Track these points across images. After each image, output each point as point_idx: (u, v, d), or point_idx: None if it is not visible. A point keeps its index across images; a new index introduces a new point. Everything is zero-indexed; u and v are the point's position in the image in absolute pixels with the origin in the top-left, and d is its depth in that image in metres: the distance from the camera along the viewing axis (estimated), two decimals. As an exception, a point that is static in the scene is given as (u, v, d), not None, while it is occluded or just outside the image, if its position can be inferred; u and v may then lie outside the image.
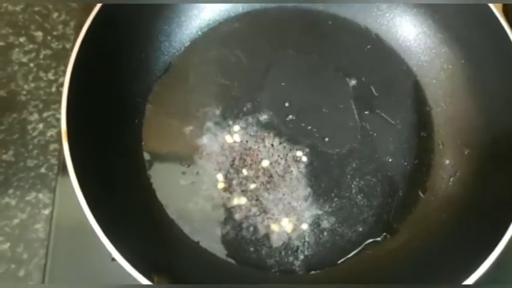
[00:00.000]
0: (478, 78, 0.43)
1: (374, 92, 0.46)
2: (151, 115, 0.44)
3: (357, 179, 0.43)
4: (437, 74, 0.46)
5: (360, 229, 0.41)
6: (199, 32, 0.48)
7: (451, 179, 0.42)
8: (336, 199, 0.42)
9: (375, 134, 0.45)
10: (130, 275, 0.31)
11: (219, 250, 0.40)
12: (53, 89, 0.50)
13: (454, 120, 0.44)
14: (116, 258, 0.31)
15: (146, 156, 0.43)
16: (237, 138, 0.45)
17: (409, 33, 0.47)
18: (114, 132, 0.39)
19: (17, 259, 0.44)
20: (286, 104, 0.45)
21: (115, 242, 0.31)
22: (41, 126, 0.49)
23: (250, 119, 0.45)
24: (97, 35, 0.36)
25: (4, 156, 0.47)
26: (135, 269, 0.30)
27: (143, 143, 0.42)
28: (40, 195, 0.46)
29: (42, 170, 0.47)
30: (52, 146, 0.48)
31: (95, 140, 0.36)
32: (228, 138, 0.45)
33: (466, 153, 0.42)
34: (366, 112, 0.45)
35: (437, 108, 0.45)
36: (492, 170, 0.39)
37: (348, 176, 0.43)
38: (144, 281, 0.30)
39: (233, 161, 0.44)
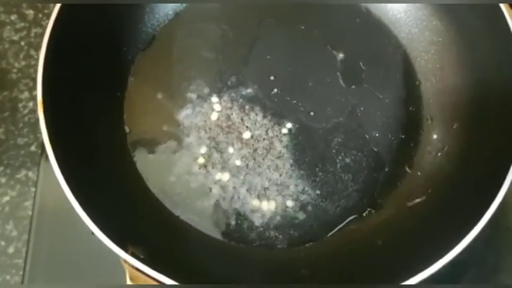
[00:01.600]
0: (468, 51, 0.42)
1: (362, 66, 0.45)
2: (133, 88, 0.44)
3: (342, 154, 0.42)
4: (427, 48, 0.45)
5: (345, 204, 0.41)
6: (184, 4, 0.47)
7: (439, 154, 0.41)
8: (320, 174, 0.42)
9: (362, 108, 0.44)
10: (108, 248, 0.31)
11: (199, 224, 0.39)
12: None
13: (443, 94, 0.43)
14: (93, 230, 0.31)
15: (127, 129, 0.42)
16: (220, 112, 0.44)
17: (399, 5, 0.46)
18: (94, 104, 0.39)
19: (7, 236, 0.44)
20: (272, 78, 0.45)
21: (92, 215, 0.31)
22: (31, 104, 0.49)
23: (234, 93, 0.45)
24: (76, 6, 0.36)
25: (-6, 134, 0.48)
26: (110, 240, 0.30)
27: (124, 116, 0.42)
28: (30, 173, 0.46)
29: (32, 148, 0.47)
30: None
31: (74, 113, 0.36)
32: (211, 112, 0.44)
33: (454, 127, 0.41)
34: (353, 86, 0.45)
35: (426, 83, 0.44)
36: (480, 145, 0.38)
37: (333, 151, 0.42)
38: (120, 252, 0.30)
39: (216, 135, 0.44)
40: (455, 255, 0.32)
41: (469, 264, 0.42)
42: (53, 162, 0.31)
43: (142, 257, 0.30)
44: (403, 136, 0.43)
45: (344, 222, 0.40)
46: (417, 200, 0.39)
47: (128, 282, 0.30)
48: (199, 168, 0.42)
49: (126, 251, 0.30)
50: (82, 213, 0.30)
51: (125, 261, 0.30)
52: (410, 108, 0.44)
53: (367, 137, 0.43)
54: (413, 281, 0.31)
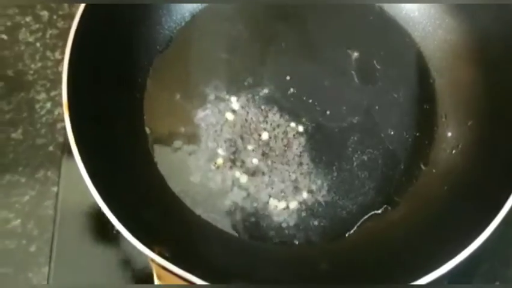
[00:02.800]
0: (482, 48, 0.42)
1: (376, 65, 0.45)
2: (152, 90, 0.44)
3: (358, 152, 0.43)
4: (440, 45, 0.45)
5: (362, 202, 0.41)
6: (200, 6, 0.47)
7: (453, 151, 0.42)
8: (337, 172, 0.42)
9: (377, 107, 0.44)
10: (133, 246, 0.32)
11: (219, 222, 0.40)
12: (60, 68, 0.51)
13: (457, 91, 0.43)
14: (119, 230, 0.31)
15: (148, 130, 0.43)
16: (237, 112, 0.45)
17: (413, 4, 0.46)
18: (115, 106, 0.39)
19: (28, 235, 0.45)
20: (288, 78, 0.45)
21: (118, 214, 0.32)
22: (48, 105, 0.49)
23: (251, 94, 0.45)
24: (96, 10, 0.36)
25: (13, 135, 0.48)
26: (138, 240, 0.31)
27: (144, 117, 0.43)
28: (49, 173, 0.47)
29: (51, 148, 0.48)
30: (60, 125, 0.48)
31: (96, 114, 0.37)
32: (229, 113, 0.45)
33: (468, 124, 0.42)
34: (368, 85, 0.45)
35: (440, 80, 0.45)
36: (495, 141, 0.39)
37: (350, 149, 0.43)
38: (147, 251, 0.31)
39: (234, 135, 0.44)
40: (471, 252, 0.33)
41: (481, 259, 0.42)
42: (79, 163, 0.32)
43: (167, 255, 0.31)
44: (418, 134, 0.43)
45: (362, 220, 0.40)
46: (434, 197, 0.39)
47: (156, 280, 0.31)
48: (218, 168, 0.43)
49: (152, 250, 0.31)
50: (109, 213, 0.31)
51: (152, 260, 0.31)
52: (425, 106, 0.44)
53: (382, 135, 0.43)
54: (430, 277, 0.32)
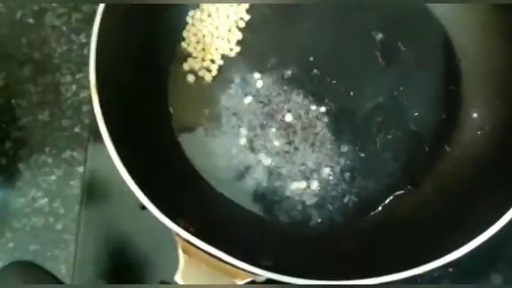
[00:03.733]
0: (509, 27, 0.41)
1: (401, 46, 0.45)
2: (176, 71, 0.45)
3: (382, 133, 0.43)
4: (466, 25, 0.44)
5: (385, 183, 0.41)
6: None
7: (479, 132, 0.41)
8: (360, 153, 0.42)
9: (401, 88, 0.44)
10: (157, 222, 0.32)
11: (242, 201, 0.41)
12: (85, 52, 0.52)
13: (483, 72, 0.43)
14: (145, 204, 0.32)
15: (171, 110, 0.43)
16: (261, 93, 0.45)
17: (438, -16, 0.46)
18: (140, 87, 0.40)
19: (55, 213, 0.46)
20: (311, 59, 0.45)
21: (144, 190, 0.32)
22: (74, 87, 0.50)
23: (274, 75, 0.45)
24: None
25: (40, 117, 0.49)
26: (163, 214, 0.31)
27: (168, 98, 0.43)
28: (75, 153, 0.48)
29: (76, 129, 0.49)
30: (85, 107, 0.49)
31: (123, 94, 0.37)
32: (253, 93, 0.45)
33: (495, 105, 0.41)
34: (392, 66, 0.45)
35: (466, 61, 0.44)
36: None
37: (373, 130, 0.43)
38: (173, 226, 0.31)
39: (257, 116, 0.44)
40: (494, 233, 0.32)
41: (508, 243, 0.42)
42: (107, 143, 0.32)
43: (191, 230, 0.31)
44: (443, 115, 0.43)
45: (385, 201, 0.40)
46: (457, 179, 0.39)
47: (181, 254, 0.31)
48: (241, 148, 0.43)
49: (177, 224, 0.31)
50: (136, 188, 0.32)
51: (178, 235, 0.31)
52: (450, 87, 0.44)
53: (406, 116, 0.43)
54: (452, 257, 0.32)
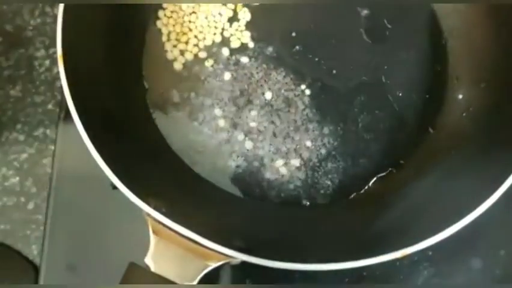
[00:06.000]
0: (498, 9, 0.40)
1: (387, 23, 0.44)
2: (151, 44, 0.43)
3: (364, 113, 0.42)
4: (454, 6, 0.43)
5: (366, 164, 0.40)
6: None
7: (463, 114, 0.40)
8: (342, 133, 0.41)
9: (385, 67, 0.43)
10: (129, 202, 0.31)
11: (220, 182, 0.40)
12: (60, 25, 0.50)
13: (470, 53, 0.42)
14: (115, 183, 0.31)
15: (146, 85, 0.42)
16: (240, 69, 0.43)
17: (427, -39, 0.44)
18: (113, 58, 0.38)
19: (26, 193, 0.45)
20: (293, 34, 0.44)
21: (115, 169, 0.31)
22: (47, 62, 0.48)
23: (254, 50, 0.44)
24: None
25: (12, 92, 0.47)
26: (133, 193, 0.30)
27: (143, 72, 0.41)
28: (48, 131, 0.47)
29: (49, 106, 0.47)
30: (58, 83, 0.47)
31: (92, 65, 0.36)
32: (231, 70, 0.43)
33: (481, 87, 0.40)
34: (377, 44, 0.43)
35: (453, 41, 0.43)
36: (507, 106, 0.37)
37: (356, 110, 0.42)
38: (143, 205, 0.30)
39: (236, 93, 0.43)
40: (475, 218, 0.32)
41: (486, 228, 0.41)
42: (75, 117, 0.31)
43: (163, 210, 0.30)
44: (427, 96, 0.42)
45: (367, 183, 0.40)
46: (440, 162, 0.38)
47: (152, 235, 0.30)
48: (219, 127, 0.42)
49: (148, 203, 0.30)
50: (105, 167, 0.30)
51: (148, 215, 0.30)
52: (436, 68, 0.43)
53: (390, 96, 0.42)
54: (433, 240, 0.31)
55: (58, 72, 0.47)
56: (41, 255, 0.40)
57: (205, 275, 0.31)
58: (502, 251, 0.42)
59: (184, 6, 0.44)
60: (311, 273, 0.38)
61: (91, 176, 0.40)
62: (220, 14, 0.45)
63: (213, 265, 0.30)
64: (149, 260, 0.30)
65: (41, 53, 0.49)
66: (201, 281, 0.30)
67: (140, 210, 0.31)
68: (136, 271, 0.29)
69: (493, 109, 0.38)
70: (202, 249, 0.30)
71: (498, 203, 0.32)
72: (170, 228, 0.30)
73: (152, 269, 0.29)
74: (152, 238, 0.30)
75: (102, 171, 0.33)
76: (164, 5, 0.44)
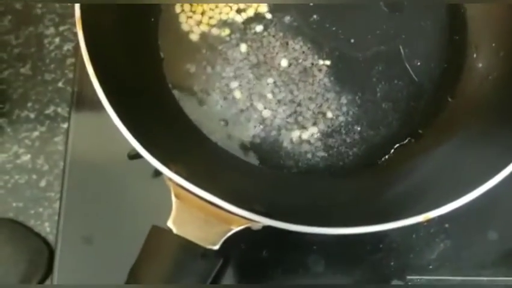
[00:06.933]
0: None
1: (405, -7, 0.43)
2: (167, 13, 0.42)
3: (382, 83, 0.41)
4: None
5: (385, 133, 0.40)
6: None
7: (482, 83, 0.40)
8: (360, 102, 0.41)
9: (404, 36, 0.42)
10: (147, 172, 0.31)
11: (237, 150, 0.39)
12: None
13: (489, 22, 0.41)
14: (136, 148, 0.30)
15: (162, 55, 0.41)
16: (257, 39, 0.43)
17: None
18: (129, 28, 0.38)
19: (38, 170, 0.45)
20: (311, 4, 0.43)
21: (135, 134, 0.30)
22: (57, 40, 0.48)
23: (271, 20, 0.43)
24: None
25: (22, 70, 0.47)
26: (155, 158, 0.30)
27: (159, 42, 0.41)
28: (59, 109, 0.47)
29: (60, 84, 0.47)
30: (69, 61, 0.48)
31: (109, 34, 0.35)
32: (248, 39, 0.43)
33: (500, 55, 0.40)
34: (395, 13, 0.43)
35: (471, 10, 0.42)
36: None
37: (374, 79, 0.41)
38: (164, 169, 0.29)
39: (253, 63, 0.42)
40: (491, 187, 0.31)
41: (504, 200, 0.41)
42: (95, 83, 0.30)
43: (184, 175, 0.30)
44: (446, 65, 0.42)
45: (386, 153, 0.39)
46: (459, 130, 0.38)
47: (174, 199, 0.30)
48: (236, 97, 0.41)
49: (169, 168, 0.29)
50: (125, 131, 0.30)
51: (170, 180, 0.29)
52: (454, 37, 0.42)
53: (408, 65, 0.42)
54: (451, 206, 0.31)
55: (68, 50, 0.48)
56: (56, 230, 0.39)
57: (227, 239, 0.30)
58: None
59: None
60: (330, 242, 0.39)
61: (105, 150, 0.40)
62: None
63: (235, 229, 0.30)
64: (171, 224, 0.30)
65: (51, 30, 0.48)
66: (223, 245, 0.30)
67: (158, 179, 0.31)
68: (159, 233, 0.29)
69: (511, 77, 0.38)
70: (224, 213, 0.29)
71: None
72: (192, 193, 0.29)
73: (175, 231, 0.29)
74: (174, 202, 0.30)
75: (117, 144, 0.33)
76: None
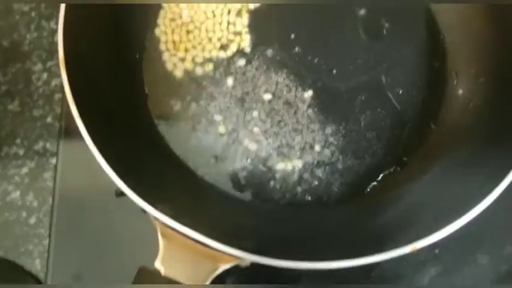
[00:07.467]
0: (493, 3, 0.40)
1: (384, 22, 0.44)
2: (151, 50, 0.43)
3: (366, 112, 0.42)
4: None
5: (370, 163, 0.40)
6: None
7: (464, 109, 0.41)
8: (344, 132, 0.41)
9: (384, 65, 0.43)
10: (134, 209, 0.31)
11: (224, 184, 0.39)
12: (56, 39, 0.49)
13: (468, 48, 0.42)
14: (121, 189, 0.30)
15: (147, 90, 0.42)
16: (240, 73, 0.43)
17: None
18: (114, 66, 0.38)
19: (28, 207, 0.44)
20: (292, 36, 0.44)
21: (120, 174, 0.31)
22: (45, 76, 0.48)
23: (254, 53, 0.44)
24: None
25: (10, 107, 0.47)
26: (140, 197, 0.30)
27: (143, 78, 0.41)
28: (47, 145, 0.46)
29: (49, 119, 0.47)
30: (57, 96, 0.48)
31: (94, 73, 0.36)
32: (231, 73, 0.43)
33: (480, 81, 0.40)
34: (375, 43, 0.44)
35: (450, 37, 0.43)
36: (507, 99, 0.37)
37: (357, 109, 0.42)
38: (150, 209, 0.30)
39: (237, 97, 0.43)
40: (480, 213, 0.31)
41: (493, 224, 0.41)
42: (80, 125, 0.31)
43: (171, 214, 0.30)
44: (427, 92, 0.42)
45: (373, 182, 0.40)
46: (443, 157, 0.38)
47: (160, 239, 0.30)
48: (222, 131, 0.42)
49: (155, 207, 0.29)
50: (111, 172, 0.30)
51: (156, 219, 0.30)
52: (434, 64, 0.43)
53: (390, 94, 0.42)
54: (437, 237, 0.31)
55: (56, 86, 0.48)
56: (46, 267, 0.39)
57: (216, 278, 0.30)
58: (508, 247, 0.42)
59: (183, 14, 0.45)
60: (320, 274, 0.39)
61: (94, 186, 0.40)
62: (219, 23, 0.45)
63: (223, 267, 0.30)
64: (159, 264, 0.30)
65: (38, 66, 0.49)
66: (212, 282, 0.30)
67: (146, 216, 0.31)
68: (147, 275, 0.29)
69: (493, 103, 0.39)
70: (211, 251, 0.29)
71: (502, 199, 0.32)
72: (178, 232, 0.29)
73: (163, 273, 0.29)
74: (161, 242, 0.30)
75: (105, 181, 0.33)
76: (162, 13, 0.44)
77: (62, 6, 0.33)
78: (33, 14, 0.50)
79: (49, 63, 0.49)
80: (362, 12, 0.45)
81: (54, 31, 0.50)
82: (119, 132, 0.35)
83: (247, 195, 0.40)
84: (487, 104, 0.39)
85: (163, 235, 0.30)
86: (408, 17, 0.45)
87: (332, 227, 0.37)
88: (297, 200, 0.39)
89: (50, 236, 0.41)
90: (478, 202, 0.32)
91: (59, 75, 0.48)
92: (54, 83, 0.48)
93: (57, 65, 0.49)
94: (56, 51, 0.49)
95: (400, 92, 0.42)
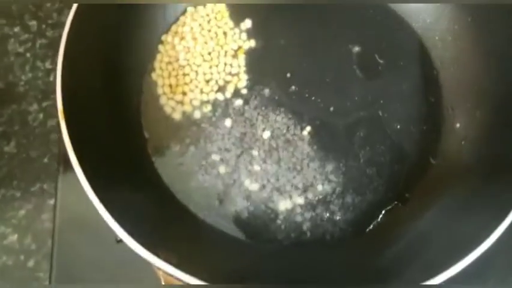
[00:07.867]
0: (486, 36, 0.41)
1: (378, 59, 0.45)
2: (149, 93, 0.43)
3: (365, 148, 0.42)
4: (443, 36, 0.44)
5: (371, 199, 0.40)
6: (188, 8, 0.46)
7: (462, 142, 0.41)
8: (344, 169, 0.41)
9: (381, 102, 0.43)
10: (136, 255, 0.30)
11: (225, 226, 0.39)
12: (51, 78, 0.50)
13: (462, 82, 0.43)
14: (122, 237, 0.30)
15: (146, 135, 0.42)
16: (238, 113, 0.43)
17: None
18: (112, 111, 0.38)
19: (26, 250, 0.44)
20: (288, 75, 0.44)
21: (121, 222, 0.30)
22: (41, 116, 0.49)
23: (251, 94, 0.44)
24: (86, 16, 0.35)
25: (6, 148, 0.47)
26: (142, 246, 0.29)
27: (142, 122, 0.41)
28: (45, 186, 0.46)
29: (45, 160, 0.47)
30: (53, 136, 0.48)
31: (92, 121, 0.36)
32: (229, 114, 0.43)
33: (476, 115, 0.41)
34: (371, 79, 0.44)
35: (444, 72, 0.44)
36: (504, 131, 0.38)
37: (356, 146, 0.42)
38: (151, 258, 0.29)
39: (237, 138, 0.43)
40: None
41: (497, 256, 0.41)
42: (79, 172, 0.31)
43: (173, 262, 0.29)
44: (425, 127, 0.43)
45: (375, 218, 0.40)
46: (444, 191, 0.38)
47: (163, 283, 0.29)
48: (222, 172, 0.41)
49: (158, 256, 0.29)
50: (110, 219, 0.30)
51: (159, 269, 0.29)
52: (430, 99, 0.43)
53: (388, 130, 0.42)
54: (442, 277, 0.31)
55: (52, 126, 0.48)
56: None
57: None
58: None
59: (180, 57, 0.45)
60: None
61: (94, 226, 0.40)
62: (216, 65, 0.45)
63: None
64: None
65: (34, 107, 0.49)
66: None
67: (147, 261, 0.30)
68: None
69: (490, 136, 0.39)
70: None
71: (506, 232, 0.32)
72: (182, 280, 0.29)
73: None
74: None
75: (105, 223, 0.33)
76: (159, 57, 0.45)
77: (61, 51, 0.33)
78: (28, 54, 0.51)
79: (45, 103, 0.49)
80: (356, 49, 0.45)
81: (49, 71, 0.50)
82: (119, 177, 0.35)
83: (249, 237, 0.39)
84: (484, 138, 0.39)
85: (166, 282, 0.29)
86: (402, 54, 0.45)
87: (335, 266, 0.36)
88: (299, 240, 0.39)
89: (50, 278, 0.40)
90: (482, 240, 0.31)
91: (55, 116, 0.48)
92: (50, 123, 0.48)
93: (53, 105, 0.49)
94: (52, 91, 0.50)
95: (398, 127, 0.43)
